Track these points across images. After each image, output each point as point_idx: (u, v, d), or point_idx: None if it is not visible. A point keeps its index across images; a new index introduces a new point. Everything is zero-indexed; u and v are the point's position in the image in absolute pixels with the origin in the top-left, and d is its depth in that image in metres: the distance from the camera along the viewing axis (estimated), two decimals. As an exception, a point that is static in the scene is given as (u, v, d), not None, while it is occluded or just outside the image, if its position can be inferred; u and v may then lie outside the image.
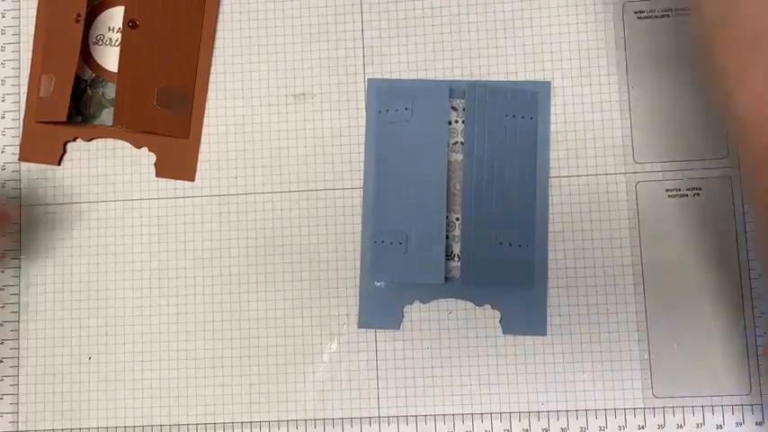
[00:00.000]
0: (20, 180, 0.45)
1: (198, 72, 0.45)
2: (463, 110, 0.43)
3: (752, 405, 0.41)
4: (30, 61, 0.46)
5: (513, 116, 0.43)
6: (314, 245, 0.44)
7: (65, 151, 0.45)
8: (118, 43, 0.45)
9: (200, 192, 0.45)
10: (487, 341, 0.43)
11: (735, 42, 0.23)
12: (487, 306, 0.43)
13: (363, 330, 0.43)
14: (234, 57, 0.45)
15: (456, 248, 0.43)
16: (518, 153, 0.43)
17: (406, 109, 0.43)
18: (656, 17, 0.44)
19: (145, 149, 0.45)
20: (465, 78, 0.44)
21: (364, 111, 0.44)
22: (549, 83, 0.44)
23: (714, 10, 0.23)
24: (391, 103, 0.44)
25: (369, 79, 0.44)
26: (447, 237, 0.43)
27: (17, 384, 0.44)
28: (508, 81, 0.44)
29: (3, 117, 0.46)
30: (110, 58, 0.45)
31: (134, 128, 0.44)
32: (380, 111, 0.44)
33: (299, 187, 0.44)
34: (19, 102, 0.46)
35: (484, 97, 0.43)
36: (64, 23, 0.44)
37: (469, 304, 0.43)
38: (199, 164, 0.45)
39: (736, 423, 0.41)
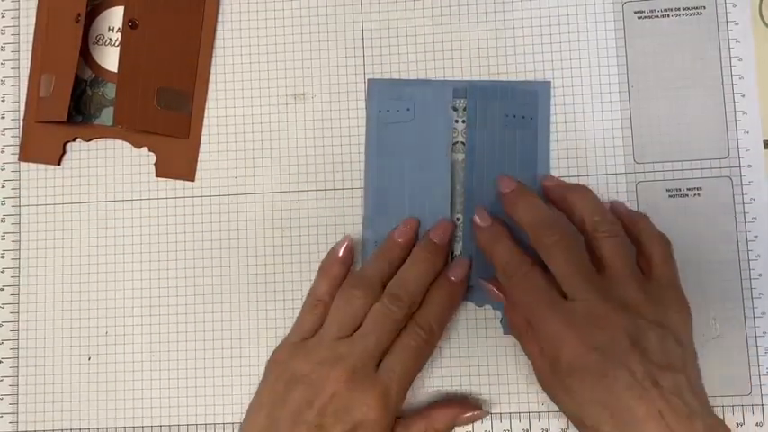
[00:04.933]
0: (20, 180, 0.45)
1: (198, 72, 0.45)
2: (464, 110, 0.43)
3: (752, 405, 0.41)
4: (29, 61, 0.46)
5: (514, 116, 0.43)
6: (314, 245, 0.44)
7: (65, 151, 0.45)
8: (118, 43, 0.45)
9: (200, 192, 0.45)
10: (487, 341, 0.43)
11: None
12: (488, 306, 0.43)
13: (363, 330, 0.43)
14: (234, 57, 0.45)
15: (457, 249, 0.43)
16: (518, 153, 0.43)
17: (408, 110, 0.43)
18: (656, 17, 0.44)
19: (145, 149, 0.45)
20: (465, 78, 0.44)
21: (365, 111, 0.44)
22: (548, 82, 0.44)
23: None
24: (392, 104, 0.44)
25: (369, 79, 0.44)
26: (447, 237, 0.43)
27: (17, 385, 0.44)
28: (508, 81, 0.44)
29: (3, 117, 0.46)
30: (110, 58, 0.45)
31: (134, 128, 0.44)
32: (380, 111, 0.44)
33: (298, 187, 0.44)
34: (19, 102, 0.46)
35: (484, 97, 0.43)
36: (64, 23, 0.44)
37: (470, 304, 0.43)
38: (199, 164, 0.45)
39: (737, 423, 0.41)
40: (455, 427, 0.41)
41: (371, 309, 0.38)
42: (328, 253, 0.42)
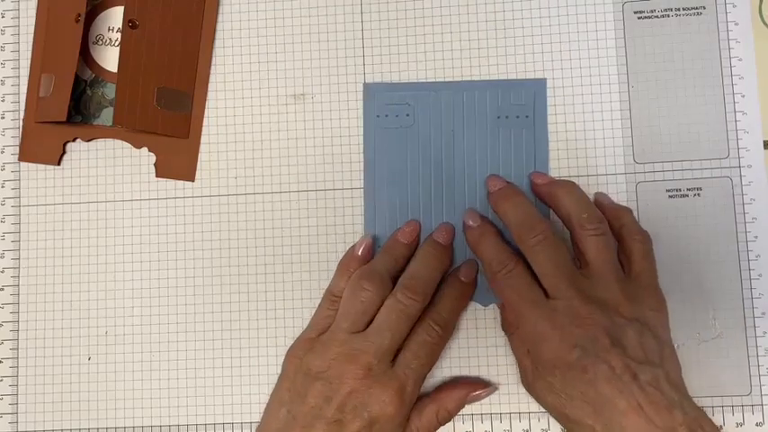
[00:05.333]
0: (20, 180, 0.45)
1: (198, 72, 0.45)
2: (461, 110, 0.43)
3: (752, 405, 0.41)
4: (29, 61, 0.46)
5: (506, 117, 0.43)
6: (314, 245, 0.44)
7: (64, 151, 0.45)
8: (118, 43, 0.45)
9: (199, 192, 0.45)
10: (488, 341, 0.43)
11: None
12: (490, 306, 0.43)
13: (363, 330, 0.43)
14: (234, 57, 0.45)
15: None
16: (516, 153, 0.43)
17: (408, 115, 0.43)
18: (656, 17, 0.44)
19: (145, 149, 0.45)
20: (465, 79, 0.44)
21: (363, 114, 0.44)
22: (544, 80, 0.44)
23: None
24: (391, 109, 0.44)
25: (365, 84, 0.44)
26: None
27: (17, 385, 0.44)
28: (503, 80, 0.44)
29: (3, 117, 0.46)
30: (109, 58, 0.45)
31: (134, 128, 0.44)
32: (378, 116, 0.44)
33: (298, 187, 0.44)
34: (19, 102, 0.46)
35: (481, 97, 0.43)
36: (64, 23, 0.44)
37: (473, 304, 0.43)
38: (199, 164, 0.45)
39: (737, 423, 0.41)
40: (465, 405, 0.41)
41: (385, 304, 0.39)
42: (347, 251, 0.43)
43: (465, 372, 0.43)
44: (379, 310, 0.39)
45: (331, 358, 0.38)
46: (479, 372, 0.42)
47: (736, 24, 0.43)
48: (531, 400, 0.42)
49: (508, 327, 0.40)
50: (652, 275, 0.39)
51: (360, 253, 0.42)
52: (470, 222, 0.41)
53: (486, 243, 0.40)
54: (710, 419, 0.36)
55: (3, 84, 0.46)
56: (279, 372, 0.40)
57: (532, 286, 0.38)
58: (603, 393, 0.35)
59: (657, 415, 0.34)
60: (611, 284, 0.37)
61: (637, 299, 0.38)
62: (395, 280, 0.40)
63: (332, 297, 0.41)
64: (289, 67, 0.45)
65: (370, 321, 0.39)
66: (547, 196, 0.41)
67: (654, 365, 0.36)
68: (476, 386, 0.41)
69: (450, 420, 0.41)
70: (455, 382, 0.42)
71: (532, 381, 0.38)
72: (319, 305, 0.41)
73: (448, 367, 0.43)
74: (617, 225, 0.40)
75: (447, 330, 0.40)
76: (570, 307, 0.36)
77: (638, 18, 0.44)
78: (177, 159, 0.45)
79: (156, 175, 0.45)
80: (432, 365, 0.40)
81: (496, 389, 0.42)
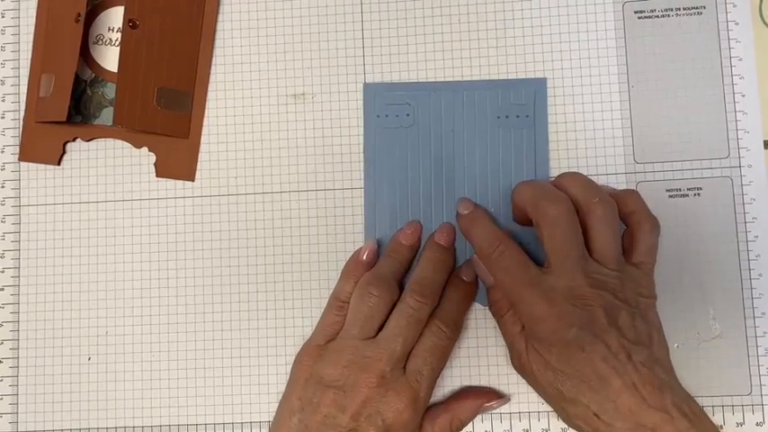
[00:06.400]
0: (20, 180, 0.45)
1: (198, 72, 0.45)
2: (461, 110, 0.43)
3: (752, 405, 0.41)
4: (29, 61, 0.46)
5: (507, 116, 0.43)
6: (314, 245, 0.44)
7: (64, 151, 0.45)
8: (118, 43, 0.45)
9: (199, 192, 0.45)
10: (488, 341, 0.43)
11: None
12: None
13: (363, 330, 0.43)
14: (234, 57, 0.45)
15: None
16: (517, 153, 0.43)
17: (408, 115, 0.43)
18: (656, 17, 0.44)
19: (145, 149, 0.45)
20: (465, 79, 0.44)
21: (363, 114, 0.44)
22: (544, 80, 0.44)
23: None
24: (391, 109, 0.44)
25: (365, 84, 0.44)
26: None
27: (17, 385, 0.44)
28: (504, 80, 0.44)
29: (3, 117, 0.46)
30: (109, 58, 0.45)
31: (134, 128, 0.44)
32: (378, 116, 0.44)
33: (298, 187, 0.44)
34: (19, 102, 0.46)
35: (481, 97, 0.43)
36: (64, 23, 0.44)
37: (473, 305, 0.43)
38: (198, 164, 0.45)
39: (737, 423, 0.41)
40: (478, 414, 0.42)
41: (396, 310, 0.39)
42: (352, 256, 0.43)
43: (465, 372, 0.42)
44: (387, 314, 0.39)
45: (343, 366, 0.38)
46: (479, 372, 0.42)
47: (737, 24, 0.43)
48: (532, 400, 0.42)
49: (498, 309, 0.40)
50: (651, 266, 0.40)
51: (365, 258, 0.42)
52: (462, 210, 0.41)
53: (477, 227, 0.40)
54: (696, 401, 0.37)
55: (3, 84, 0.46)
56: (278, 371, 0.40)
57: (526, 264, 0.38)
58: (599, 372, 0.35)
59: (650, 395, 0.35)
60: (613, 273, 0.38)
61: (632, 284, 0.38)
62: (400, 282, 0.41)
63: (338, 303, 0.41)
64: (289, 66, 0.45)
65: (380, 327, 0.39)
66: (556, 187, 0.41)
67: (645, 346, 0.37)
68: (489, 396, 0.41)
69: (462, 429, 0.41)
70: (468, 391, 0.42)
71: (526, 360, 0.38)
72: (325, 311, 0.41)
73: (448, 368, 0.42)
74: (626, 210, 0.40)
75: (455, 331, 0.40)
76: (571, 287, 0.36)
77: (638, 18, 0.44)
78: (177, 159, 0.45)
79: (156, 175, 0.45)
80: (442, 368, 0.40)
81: (509, 400, 0.42)
